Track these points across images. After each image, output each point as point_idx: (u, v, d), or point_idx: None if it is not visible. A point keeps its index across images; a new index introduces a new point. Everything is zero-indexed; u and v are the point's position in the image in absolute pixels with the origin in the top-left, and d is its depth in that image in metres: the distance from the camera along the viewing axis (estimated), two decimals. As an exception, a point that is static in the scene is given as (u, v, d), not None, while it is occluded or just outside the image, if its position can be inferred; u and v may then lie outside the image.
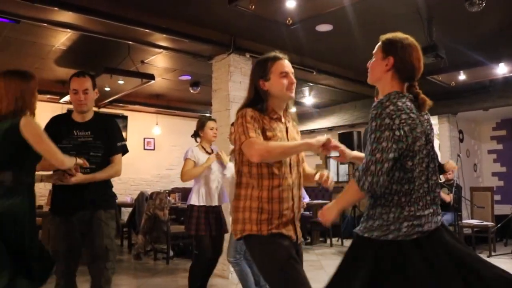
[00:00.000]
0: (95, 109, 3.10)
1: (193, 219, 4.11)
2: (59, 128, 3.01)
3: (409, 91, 1.98)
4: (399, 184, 1.88)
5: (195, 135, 4.42)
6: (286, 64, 2.34)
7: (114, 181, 3.18)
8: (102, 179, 3.03)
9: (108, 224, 3.02)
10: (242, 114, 2.23)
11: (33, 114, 2.64)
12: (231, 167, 4.02)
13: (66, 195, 2.95)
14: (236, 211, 2.29)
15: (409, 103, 1.91)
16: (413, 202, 1.88)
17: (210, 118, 4.51)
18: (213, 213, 4.18)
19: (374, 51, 2.08)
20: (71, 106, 3.27)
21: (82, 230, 2.97)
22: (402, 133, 1.83)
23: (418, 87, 2.02)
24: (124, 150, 3.23)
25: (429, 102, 1.96)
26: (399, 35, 2.02)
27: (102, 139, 3.05)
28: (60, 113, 3.37)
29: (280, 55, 2.36)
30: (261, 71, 2.31)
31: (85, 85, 3.04)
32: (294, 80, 2.33)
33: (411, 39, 2.00)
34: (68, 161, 2.74)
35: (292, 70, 2.36)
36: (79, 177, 2.87)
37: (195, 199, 4.16)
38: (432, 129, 2.04)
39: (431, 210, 1.92)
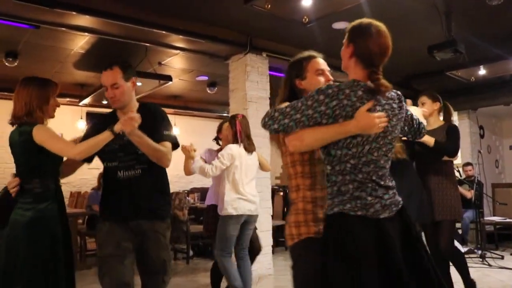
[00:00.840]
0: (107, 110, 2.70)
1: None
2: (102, 128, 2.56)
3: (370, 78, 1.93)
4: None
5: (217, 138, 4.50)
6: (322, 62, 2.31)
7: None
8: (150, 148, 2.60)
9: (165, 236, 2.75)
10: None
11: (45, 119, 2.66)
12: (198, 161, 4.02)
13: (121, 200, 2.67)
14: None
15: (360, 92, 1.87)
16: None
17: (227, 120, 4.53)
18: None
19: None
20: (90, 109, 3.19)
21: (136, 240, 2.68)
22: (328, 111, 1.85)
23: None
24: (173, 141, 2.78)
25: (385, 87, 1.89)
26: (364, 21, 1.99)
27: (149, 132, 2.61)
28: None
29: (315, 53, 2.33)
30: (296, 70, 2.27)
31: (112, 79, 2.68)
32: (331, 77, 2.29)
33: (375, 25, 1.97)
34: (80, 148, 2.55)
35: (328, 68, 2.33)
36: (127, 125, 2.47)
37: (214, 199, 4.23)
38: (397, 113, 2.00)
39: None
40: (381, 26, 1.97)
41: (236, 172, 4.04)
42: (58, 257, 2.54)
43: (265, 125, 1.96)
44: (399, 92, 2.07)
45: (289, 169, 2.19)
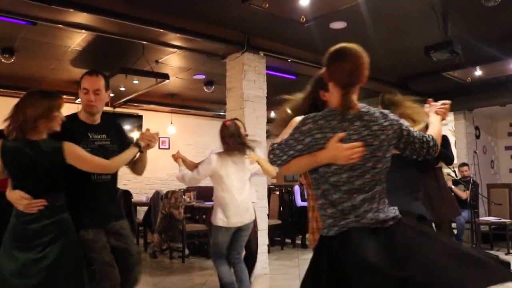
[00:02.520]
0: (109, 109, 2.96)
1: None
2: (73, 130, 2.72)
3: (341, 98, 2.01)
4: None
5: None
6: None
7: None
8: (146, 160, 3.02)
9: (131, 232, 3.03)
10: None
11: (43, 132, 2.57)
12: (182, 169, 4.12)
13: (98, 204, 2.80)
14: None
15: (334, 122, 1.96)
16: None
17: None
18: None
19: None
20: None
21: (111, 241, 2.83)
22: (304, 149, 1.97)
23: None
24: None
25: (350, 108, 1.99)
26: (339, 46, 2.07)
27: (117, 143, 2.90)
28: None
29: None
30: (323, 82, 2.26)
31: (96, 85, 2.79)
32: None
33: (348, 49, 2.04)
34: (117, 163, 2.76)
35: None
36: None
37: None
38: (379, 134, 2.01)
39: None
40: (353, 48, 2.05)
41: (223, 182, 3.97)
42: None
43: (272, 162, 2.06)
44: (383, 111, 2.07)
45: (308, 189, 2.41)
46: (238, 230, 4.02)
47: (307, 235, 2.24)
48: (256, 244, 4.63)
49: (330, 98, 2.20)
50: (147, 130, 2.89)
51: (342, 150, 1.89)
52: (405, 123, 2.09)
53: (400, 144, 2.07)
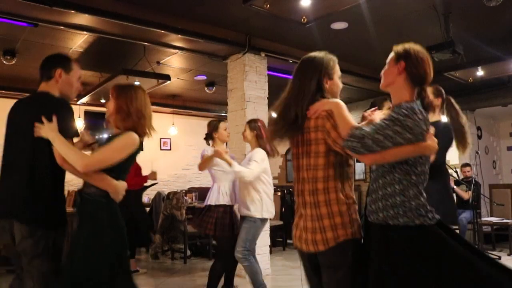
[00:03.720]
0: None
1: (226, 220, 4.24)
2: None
3: (418, 96, 2.09)
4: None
5: (209, 137, 4.45)
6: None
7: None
8: None
9: None
10: (339, 105, 2.15)
11: None
12: (235, 165, 4.15)
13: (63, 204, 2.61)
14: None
15: (425, 115, 2.04)
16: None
17: (221, 120, 4.60)
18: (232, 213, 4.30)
19: (387, 60, 2.16)
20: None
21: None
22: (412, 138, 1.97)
23: (435, 83, 2.09)
24: None
25: (435, 106, 2.12)
26: (412, 44, 2.14)
27: None
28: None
29: (335, 57, 2.39)
30: (327, 69, 2.28)
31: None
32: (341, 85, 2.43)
33: (423, 49, 2.13)
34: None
35: None
36: None
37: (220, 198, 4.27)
38: None
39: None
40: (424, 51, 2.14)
41: (267, 175, 4.22)
42: None
43: (365, 147, 1.98)
44: None
45: (316, 183, 2.18)
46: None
47: (314, 236, 2.08)
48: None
49: (331, 87, 2.28)
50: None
51: (435, 141, 2.06)
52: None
53: None
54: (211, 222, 4.18)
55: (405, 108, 1.98)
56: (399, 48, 2.14)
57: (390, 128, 1.95)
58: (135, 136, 2.49)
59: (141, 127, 2.56)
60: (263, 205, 4.11)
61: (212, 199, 4.27)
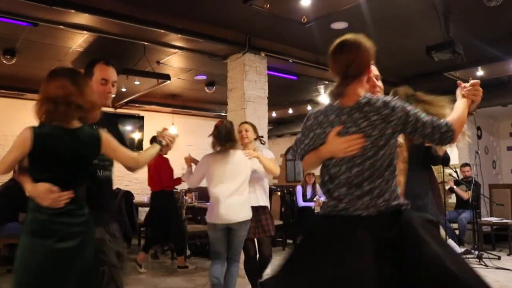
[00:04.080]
0: (111, 109, 2.67)
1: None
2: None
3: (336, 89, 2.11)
4: None
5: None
6: (375, 68, 2.38)
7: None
8: None
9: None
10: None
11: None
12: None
13: (105, 203, 2.66)
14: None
15: (332, 116, 2.08)
16: None
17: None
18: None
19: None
20: None
21: None
22: (310, 143, 2.12)
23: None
24: None
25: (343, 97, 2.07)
26: (339, 39, 2.19)
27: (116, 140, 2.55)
28: None
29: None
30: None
31: (115, 76, 2.75)
32: (381, 84, 2.43)
33: (347, 41, 2.17)
34: (143, 158, 2.58)
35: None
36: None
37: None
38: (378, 124, 2.05)
39: None
40: (352, 39, 2.15)
41: (212, 179, 4.03)
42: None
43: (294, 157, 2.22)
44: (386, 98, 2.01)
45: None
46: (231, 230, 4.01)
47: None
48: (269, 248, 4.50)
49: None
50: (165, 129, 2.77)
51: (339, 143, 1.96)
52: (412, 108, 2.00)
53: (406, 129, 1.99)
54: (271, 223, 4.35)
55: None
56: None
57: (297, 138, 2.19)
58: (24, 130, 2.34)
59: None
60: (208, 210, 4.09)
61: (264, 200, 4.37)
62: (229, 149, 4.02)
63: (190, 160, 4.42)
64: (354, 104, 1.99)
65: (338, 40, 2.11)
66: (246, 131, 4.33)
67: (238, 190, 4.00)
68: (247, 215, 4.02)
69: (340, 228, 1.96)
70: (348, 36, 2.11)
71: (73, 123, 2.28)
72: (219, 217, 3.94)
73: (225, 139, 3.99)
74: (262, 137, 4.52)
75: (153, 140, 2.93)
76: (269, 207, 4.51)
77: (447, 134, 2.00)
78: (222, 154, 4.03)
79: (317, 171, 2.53)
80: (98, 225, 2.48)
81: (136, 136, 10.21)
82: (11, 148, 2.23)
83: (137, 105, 9.87)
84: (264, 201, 4.37)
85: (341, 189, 1.99)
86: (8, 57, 6.39)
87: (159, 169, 6.15)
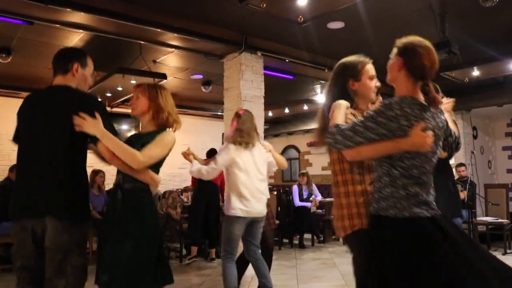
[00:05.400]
0: (107, 109, 2.67)
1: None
2: None
3: (422, 90, 2.07)
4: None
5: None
6: (373, 68, 2.42)
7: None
8: None
9: None
10: (335, 105, 2.22)
11: None
12: (195, 163, 3.95)
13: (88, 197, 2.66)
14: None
15: (417, 111, 2.00)
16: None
17: None
18: None
19: (391, 55, 2.21)
20: None
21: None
22: (389, 134, 1.99)
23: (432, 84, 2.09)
24: None
25: (438, 100, 2.07)
26: (414, 38, 2.20)
27: None
28: None
29: (367, 58, 2.42)
30: (352, 71, 2.35)
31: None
32: (379, 84, 2.41)
33: (424, 42, 2.17)
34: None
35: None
36: None
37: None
38: (441, 126, 2.13)
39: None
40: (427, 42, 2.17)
41: (237, 171, 3.89)
42: None
43: (337, 143, 2.07)
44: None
45: (336, 176, 2.31)
46: (255, 222, 3.92)
47: (337, 223, 2.18)
48: (273, 241, 4.52)
49: (360, 88, 2.34)
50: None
51: (425, 137, 1.97)
52: None
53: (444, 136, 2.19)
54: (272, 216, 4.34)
55: (383, 104, 2.02)
56: (400, 43, 2.19)
57: (363, 124, 2.01)
58: (173, 133, 2.66)
59: (175, 124, 2.71)
60: (232, 202, 3.86)
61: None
62: (254, 142, 3.98)
63: (189, 154, 4.03)
64: (423, 103, 2.06)
65: (415, 40, 2.21)
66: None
67: (264, 181, 4.02)
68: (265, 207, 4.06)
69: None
70: (421, 39, 2.22)
71: None
72: (252, 210, 3.85)
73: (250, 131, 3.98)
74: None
75: None
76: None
77: (459, 142, 2.42)
78: (246, 145, 3.93)
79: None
80: None
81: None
82: (161, 145, 2.56)
83: (133, 104, 9.83)
84: (268, 194, 4.31)
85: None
86: (4, 55, 6.36)
87: None
